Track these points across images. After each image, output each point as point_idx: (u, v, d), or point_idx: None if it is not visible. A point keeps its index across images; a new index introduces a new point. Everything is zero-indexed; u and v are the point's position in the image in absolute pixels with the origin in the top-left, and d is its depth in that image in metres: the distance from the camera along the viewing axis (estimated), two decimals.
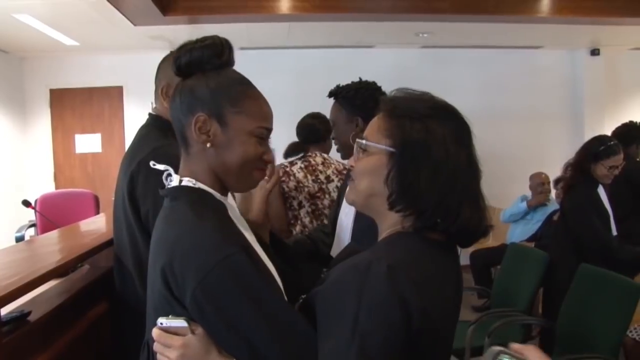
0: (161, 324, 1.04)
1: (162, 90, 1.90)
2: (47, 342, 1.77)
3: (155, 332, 1.06)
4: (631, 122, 4.21)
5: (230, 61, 1.22)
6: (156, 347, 1.06)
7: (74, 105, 6.73)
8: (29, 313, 1.70)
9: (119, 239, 1.97)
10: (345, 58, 6.72)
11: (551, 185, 5.43)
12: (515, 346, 0.78)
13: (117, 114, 6.76)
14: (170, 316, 1.04)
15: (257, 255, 1.12)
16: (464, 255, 5.69)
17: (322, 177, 2.98)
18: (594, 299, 2.80)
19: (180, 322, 1.02)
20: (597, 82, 7.03)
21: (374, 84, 2.18)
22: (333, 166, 3.04)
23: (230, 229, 1.12)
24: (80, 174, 6.77)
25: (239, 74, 1.22)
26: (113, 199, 2.02)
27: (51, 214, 4.50)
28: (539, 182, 5.50)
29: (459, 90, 6.32)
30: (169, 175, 1.20)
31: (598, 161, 3.19)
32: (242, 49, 6.63)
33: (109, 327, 2.12)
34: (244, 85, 1.19)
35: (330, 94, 2.24)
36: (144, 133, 1.96)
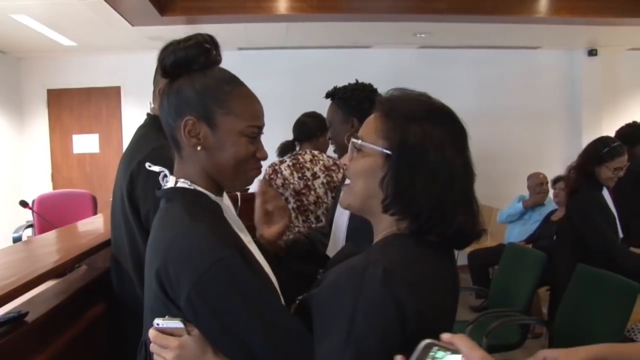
0: (157, 324, 1.05)
1: (160, 91, 1.90)
2: (45, 342, 1.76)
3: (151, 333, 1.06)
4: (635, 122, 4.19)
5: (217, 59, 1.19)
6: (153, 347, 1.07)
7: (72, 106, 6.72)
8: (26, 314, 1.69)
9: (116, 240, 1.98)
10: (343, 58, 6.72)
11: (549, 185, 5.43)
12: (445, 336, 0.78)
13: (115, 114, 6.75)
14: (166, 317, 1.04)
15: (252, 257, 1.12)
16: (462, 256, 5.69)
17: (308, 174, 3.04)
18: (591, 299, 2.80)
19: (176, 323, 1.02)
20: (594, 82, 7.04)
21: (370, 85, 2.21)
22: (321, 162, 3.08)
23: (225, 230, 1.12)
24: (78, 175, 6.76)
25: (226, 72, 1.20)
26: (111, 199, 2.02)
27: (49, 214, 4.49)
28: (537, 183, 5.50)
29: (457, 90, 6.33)
30: (165, 176, 1.20)
31: (602, 163, 3.13)
32: (240, 49, 6.64)
33: (106, 327, 2.12)
34: (231, 85, 1.17)
35: (327, 95, 2.28)
36: (142, 133, 1.96)
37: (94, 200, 5.31)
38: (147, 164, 1.23)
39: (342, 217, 1.94)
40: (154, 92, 1.93)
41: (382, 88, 1.18)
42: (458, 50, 6.97)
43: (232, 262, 1.02)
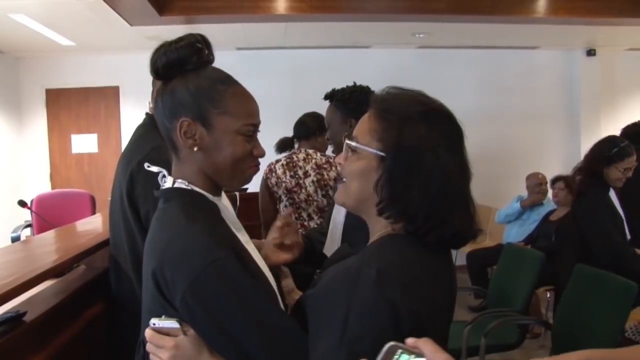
0: (154, 324, 1.05)
1: (158, 90, 1.90)
2: (43, 342, 1.76)
3: (148, 332, 1.06)
4: None
5: (209, 59, 1.19)
6: (149, 347, 1.07)
7: (70, 106, 6.71)
8: (24, 313, 1.69)
9: (115, 239, 1.98)
10: (342, 58, 6.72)
11: (548, 185, 5.43)
12: (409, 340, 0.78)
13: (114, 114, 6.75)
14: (162, 317, 1.04)
15: (249, 257, 1.12)
16: (461, 256, 5.70)
17: (300, 172, 3.12)
18: (590, 298, 2.80)
19: (172, 323, 1.03)
20: (593, 83, 7.05)
21: (367, 88, 2.25)
22: (313, 161, 3.15)
23: (221, 230, 1.12)
24: (76, 174, 6.75)
25: (219, 71, 1.19)
26: (109, 199, 2.02)
27: (47, 214, 4.49)
28: (535, 183, 5.50)
29: (456, 90, 6.33)
30: (164, 176, 1.20)
31: (611, 164, 3.05)
32: (238, 49, 6.63)
33: (105, 327, 2.12)
34: (225, 84, 1.16)
35: (326, 97, 2.33)
36: (141, 133, 1.96)
37: (93, 200, 5.31)
38: (145, 165, 1.23)
39: (339, 215, 1.96)
40: (152, 92, 1.93)
41: (381, 88, 1.17)
42: (457, 50, 6.97)
43: (227, 263, 1.03)
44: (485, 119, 6.72)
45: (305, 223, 3.10)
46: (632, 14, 4.97)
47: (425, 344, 0.77)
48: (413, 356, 0.76)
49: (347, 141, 1.08)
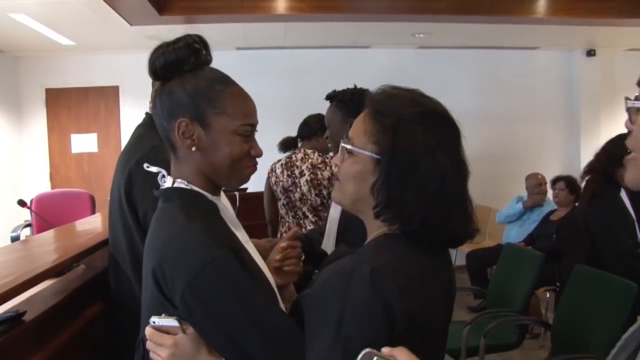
0: (154, 322, 1.06)
1: (156, 91, 1.90)
2: (43, 342, 1.76)
3: (147, 330, 1.07)
4: None
5: (207, 59, 1.19)
6: (149, 345, 1.08)
7: (70, 105, 6.71)
8: (24, 313, 1.69)
9: (114, 239, 1.98)
10: (342, 58, 6.73)
11: (548, 185, 5.43)
12: (385, 349, 0.78)
13: (113, 114, 6.74)
14: (162, 315, 1.05)
15: (248, 256, 1.13)
16: (460, 256, 5.71)
17: (296, 172, 3.20)
18: (590, 299, 2.81)
19: (171, 322, 1.04)
20: (593, 83, 7.05)
21: (368, 90, 2.27)
22: (309, 161, 3.20)
23: (220, 230, 1.12)
24: (76, 174, 6.75)
25: (217, 72, 1.20)
26: (109, 198, 2.01)
27: (47, 213, 4.49)
28: (535, 183, 5.50)
29: (455, 90, 6.34)
30: (163, 176, 1.20)
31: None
32: (238, 49, 6.63)
33: (104, 326, 2.12)
34: (222, 85, 1.17)
35: (327, 97, 2.37)
36: (140, 132, 1.96)
37: (92, 199, 5.31)
38: (145, 165, 1.23)
39: (335, 211, 2.02)
40: (152, 91, 1.93)
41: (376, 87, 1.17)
42: (457, 51, 6.97)
43: (226, 262, 1.03)
44: (485, 119, 6.73)
45: (301, 221, 3.18)
46: (631, 14, 4.97)
47: (400, 353, 0.78)
48: None
49: (343, 144, 1.08)
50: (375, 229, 1.06)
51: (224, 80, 1.18)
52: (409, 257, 1.01)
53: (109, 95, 6.73)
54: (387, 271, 0.93)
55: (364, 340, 0.87)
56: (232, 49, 6.61)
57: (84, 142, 6.73)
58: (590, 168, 3.21)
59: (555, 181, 5.09)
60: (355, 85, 2.34)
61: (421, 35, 6.23)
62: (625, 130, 0.84)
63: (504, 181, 6.51)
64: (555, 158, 7.14)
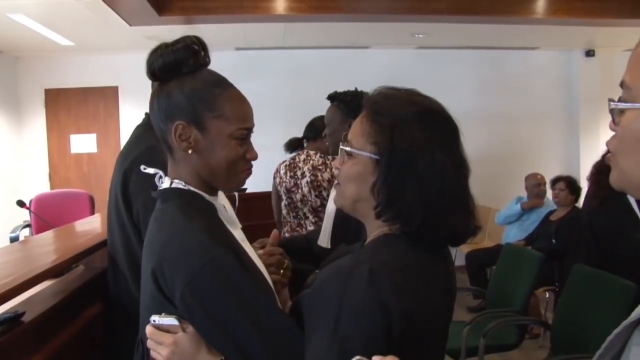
0: (154, 321, 1.06)
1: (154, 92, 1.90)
2: (42, 342, 1.76)
3: (148, 329, 1.07)
4: None
5: (205, 61, 1.19)
6: (149, 343, 1.08)
7: (69, 106, 6.71)
8: (23, 314, 1.69)
9: (112, 238, 1.98)
10: (341, 59, 6.73)
11: (547, 186, 5.43)
12: (376, 358, 0.79)
13: (113, 114, 6.74)
14: (162, 314, 1.06)
15: (246, 255, 1.14)
16: (460, 256, 5.71)
17: (298, 173, 3.22)
18: (589, 299, 2.81)
19: (171, 320, 1.04)
20: (592, 83, 7.05)
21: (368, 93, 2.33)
22: (311, 162, 3.22)
23: (218, 230, 1.13)
24: (75, 174, 6.74)
25: (215, 74, 1.20)
26: (108, 199, 2.02)
27: (46, 214, 4.49)
28: (535, 183, 5.51)
29: (455, 91, 6.35)
30: (161, 177, 1.20)
31: None
32: (237, 49, 6.63)
33: (103, 327, 2.11)
34: (220, 88, 1.17)
35: (329, 97, 2.43)
36: (139, 132, 1.96)
37: (92, 200, 5.30)
38: (142, 167, 1.23)
39: (331, 207, 2.08)
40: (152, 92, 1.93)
41: (373, 89, 1.17)
42: (456, 51, 6.98)
43: (225, 261, 1.04)
44: (484, 119, 6.73)
45: (302, 222, 3.21)
46: (630, 14, 4.97)
47: None
48: None
49: (342, 146, 1.09)
50: (375, 229, 1.06)
51: (222, 83, 1.18)
52: (408, 257, 1.01)
53: (108, 96, 6.73)
54: (386, 271, 0.93)
55: (361, 340, 0.88)
56: (231, 50, 6.61)
57: (83, 143, 6.73)
58: (598, 169, 3.19)
59: (555, 181, 5.09)
60: (355, 88, 2.36)
61: (420, 36, 6.23)
62: None
63: (503, 181, 6.51)
64: (554, 158, 7.14)
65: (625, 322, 0.74)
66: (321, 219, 3.12)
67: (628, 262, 2.95)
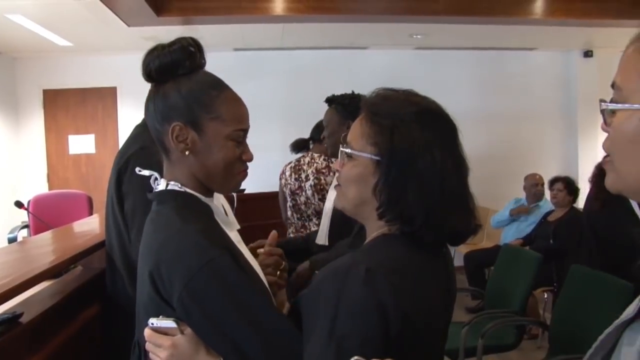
0: (152, 324, 1.06)
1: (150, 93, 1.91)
2: (40, 343, 1.76)
3: (146, 332, 1.07)
4: None
5: (201, 63, 1.19)
6: (148, 346, 1.08)
7: (68, 106, 6.70)
8: (21, 314, 1.69)
9: (109, 238, 1.98)
10: (339, 59, 6.73)
11: (545, 186, 5.44)
12: None
13: (111, 115, 6.74)
14: (160, 317, 1.05)
15: (242, 257, 1.14)
16: (458, 257, 5.71)
17: (303, 175, 3.25)
18: (587, 299, 2.81)
19: (169, 323, 1.04)
20: (590, 84, 7.06)
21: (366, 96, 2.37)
22: (315, 165, 3.25)
23: (215, 231, 1.13)
24: (73, 175, 6.74)
25: (211, 76, 1.20)
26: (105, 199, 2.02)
27: (44, 215, 4.48)
28: (532, 183, 5.53)
29: (453, 91, 6.35)
30: (156, 179, 1.20)
31: None
32: (236, 50, 6.63)
33: (101, 328, 2.11)
34: (217, 89, 1.17)
35: (327, 100, 2.46)
36: (137, 132, 1.97)
37: (90, 200, 5.30)
38: (137, 169, 1.24)
39: (329, 205, 2.12)
40: None
41: (370, 90, 1.17)
42: (454, 52, 6.98)
43: (222, 263, 1.04)
44: (482, 120, 6.73)
45: (306, 223, 3.24)
46: (629, 15, 4.97)
47: None
48: None
49: (342, 148, 1.09)
50: (374, 230, 1.07)
51: (219, 85, 1.18)
52: (406, 257, 1.01)
53: (106, 96, 6.72)
54: (383, 271, 0.93)
55: (358, 340, 0.88)
56: (229, 50, 6.60)
57: (81, 143, 6.72)
58: (600, 171, 3.19)
59: (553, 182, 5.10)
60: (352, 91, 2.40)
61: (419, 36, 6.24)
62: None
63: (501, 182, 6.52)
64: (552, 158, 7.15)
65: (616, 322, 0.75)
66: None
67: (629, 263, 2.95)
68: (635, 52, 0.70)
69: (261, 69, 6.68)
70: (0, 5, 4.40)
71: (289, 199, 3.30)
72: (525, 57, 7.18)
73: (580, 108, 7.12)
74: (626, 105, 0.71)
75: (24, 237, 5.06)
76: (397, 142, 1.01)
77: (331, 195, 2.22)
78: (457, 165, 1.04)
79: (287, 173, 3.32)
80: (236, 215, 1.28)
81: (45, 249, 2.44)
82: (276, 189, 3.59)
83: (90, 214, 5.07)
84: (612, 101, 0.73)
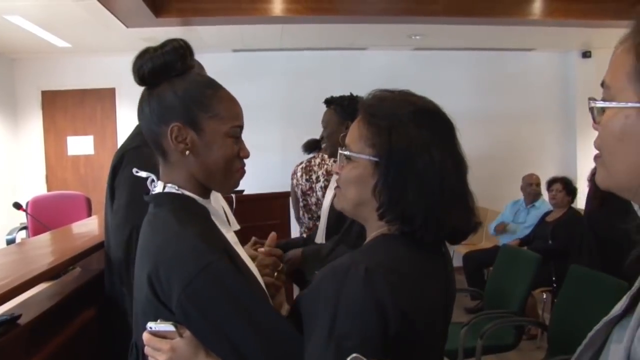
0: (150, 328, 1.06)
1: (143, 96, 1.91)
2: (38, 345, 1.76)
3: (145, 336, 1.07)
4: None
5: (192, 64, 1.20)
6: (147, 350, 1.08)
7: (66, 107, 6.70)
8: (19, 316, 1.69)
9: (108, 239, 1.99)
10: (338, 60, 6.73)
11: (543, 186, 5.45)
12: None
13: (110, 116, 6.73)
14: (158, 320, 1.05)
15: (239, 258, 1.14)
16: (457, 257, 5.71)
17: (314, 177, 3.30)
18: (585, 299, 2.81)
19: (168, 326, 1.04)
20: (588, 84, 7.05)
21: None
22: (325, 167, 3.28)
23: (212, 233, 1.13)
24: (72, 176, 6.73)
25: (204, 76, 1.22)
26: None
27: (43, 216, 4.48)
28: (528, 183, 5.58)
29: (452, 92, 6.34)
30: (153, 181, 1.20)
31: None
32: (235, 51, 6.63)
33: (99, 330, 2.11)
34: (212, 88, 1.18)
35: (326, 102, 2.49)
36: (137, 131, 1.97)
37: (89, 202, 5.30)
38: (134, 170, 1.24)
39: (326, 204, 2.15)
40: None
41: (367, 92, 1.18)
42: (453, 52, 6.99)
43: (220, 266, 1.04)
44: (481, 120, 6.74)
45: (317, 223, 3.26)
46: (627, 16, 4.85)
47: None
48: None
49: (341, 151, 1.09)
50: (374, 230, 1.07)
51: (213, 84, 1.20)
52: (405, 257, 1.01)
53: (105, 98, 6.72)
54: (382, 271, 0.94)
55: (357, 339, 0.89)
56: (228, 51, 6.60)
57: (80, 145, 6.72)
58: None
59: (551, 182, 5.11)
60: (350, 93, 2.41)
61: (417, 37, 6.24)
62: None
63: (500, 182, 6.52)
64: (551, 159, 7.16)
65: (605, 319, 0.75)
66: None
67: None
68: (623, 52, 0.71)
69: (260, 70, 6.68)
70: None
71: (300, 200, 3.35)
72: (523, 58, 7.19)
73: (578, 108, 7.12)
74: (613, 103, 0.72)
75: (22, 239, 5.06)
76: (395, 142, 1.01)
77: (329, 195, 2.25)
78: (456, 163, 1.05)
79: (299, 174, 3.36)
80: (235, 216, 1.28)
81: (44, 250, 2.44)
82: (275, 189, 3.60)
83: (89, 215, 5.06)
84: (602, 100, 0.74)
